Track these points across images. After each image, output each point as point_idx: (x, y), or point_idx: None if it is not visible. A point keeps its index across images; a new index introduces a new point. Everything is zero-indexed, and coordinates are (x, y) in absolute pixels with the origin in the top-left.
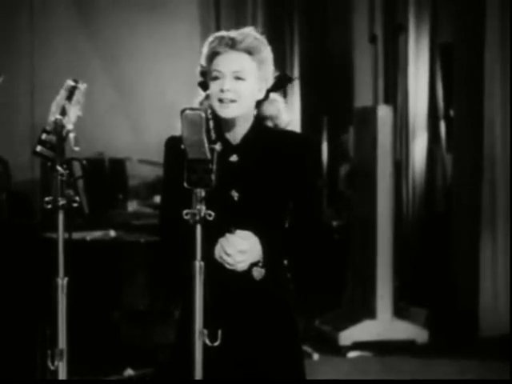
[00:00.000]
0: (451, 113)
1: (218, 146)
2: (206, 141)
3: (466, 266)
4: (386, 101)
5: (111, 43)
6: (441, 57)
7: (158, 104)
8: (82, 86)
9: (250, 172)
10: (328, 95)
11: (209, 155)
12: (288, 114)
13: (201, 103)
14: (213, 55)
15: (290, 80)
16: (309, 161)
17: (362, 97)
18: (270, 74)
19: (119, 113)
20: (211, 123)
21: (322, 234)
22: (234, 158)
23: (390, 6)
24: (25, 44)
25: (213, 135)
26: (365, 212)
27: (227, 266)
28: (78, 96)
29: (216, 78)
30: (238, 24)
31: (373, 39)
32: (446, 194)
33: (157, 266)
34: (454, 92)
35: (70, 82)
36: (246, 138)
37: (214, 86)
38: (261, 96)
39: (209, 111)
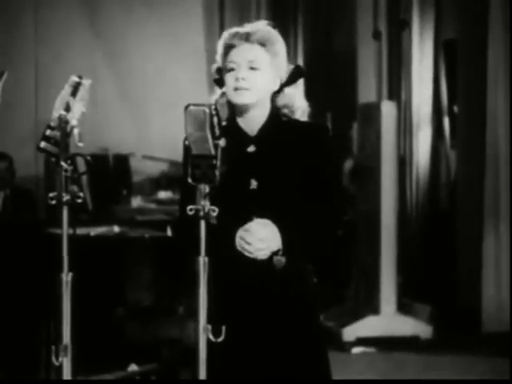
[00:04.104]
0: (455, 109)
1: (222, 142)
2: (210, 137)
3: (469, 261)
4: (390, 97)
5: (116, 40)
6: (444, 53)
7: (162, 100)
8: (87, 82)
9: (268, 161)
10: (332, 91)
11: (213, 151)
12: (303, 101)
13: (216, 101)
14: (228, 49)
15: (303, 73)
16: (325, 148)
17: (366, 93)
18: (283, 65)
19: (123, 109)
20: (215, 119)
21: (341, 225)
22: (251, 148)
23: (393, 2)
24: (29, 40)
25: (217, 131)
26: (369, 208)
27: (248, 255)
28: (82, 92)
29: (231, 70)
30: (242, 21)
31: (377, 35)
32: (449, 190)
33: (170, 261)
34: (458, 88)
35: (75, 78)
36: (263, 129)
37: (229, 77)
38: (275, 87)
39: (213, 107)
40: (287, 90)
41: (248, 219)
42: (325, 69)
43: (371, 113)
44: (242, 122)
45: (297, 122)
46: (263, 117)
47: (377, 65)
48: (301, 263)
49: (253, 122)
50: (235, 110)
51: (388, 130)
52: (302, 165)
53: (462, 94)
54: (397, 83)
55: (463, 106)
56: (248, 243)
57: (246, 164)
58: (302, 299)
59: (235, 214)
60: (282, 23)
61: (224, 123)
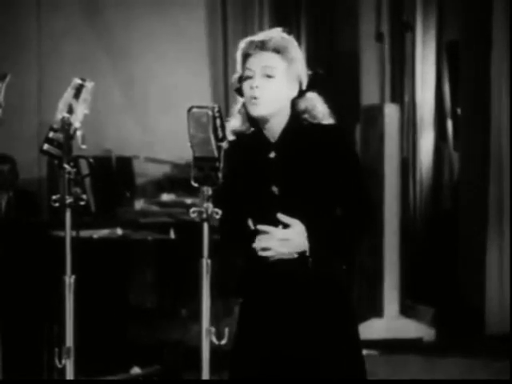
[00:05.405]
0: (458, 111)
1: (224, 144)
2: (213, 139)
3: (472, 263)
4: (393, 99)
5: (119, 42)
6: (447, 54)
7: (166, 102)
8: (89, 84)
9: (289, 167)
10: (335, 94)
11: (216, 153)
12: (324, 106)
13: (239, 111)
14: (245, 58)
15: (322, 77)
16: (343, 147)
17: (369, 95)
18: (301, 72)
19: (126, 111)
20: (218, 121)
21: (374, 217)
22: (272, 154)
23: (396, 4)
24: (32, 42)
25: (220, 133)
26: None
27: (271, 258)
28: (85, 94)
29: (248, 78)
30: (245, 24)
31: (379, 37)
32: (453, 192)
33: (173, 264)
34: (461, 90)
35: (77, 80)
36: (284, 134)
37: (245, 86)
38: (293, 94)
39: (216, 109)
40: (307, 97)
41: (272, 224)
42: (328, 71)
43: (374, 115)
44: (264, 129)
45: (316, 125)
46: (283, 123)
47: (380, 67)
48: (334, 263)
49: (274, 128)
50: (256, 119)
51: (391, 132)
52: (325, 167)
53: (465, 96)
54: (400, 85)
55: (466, 107)
56: (267, 249)
57: (268, 170)
58: (337, 300)
59: (259, 220)
60: (284, 26)
61: (252, 129)
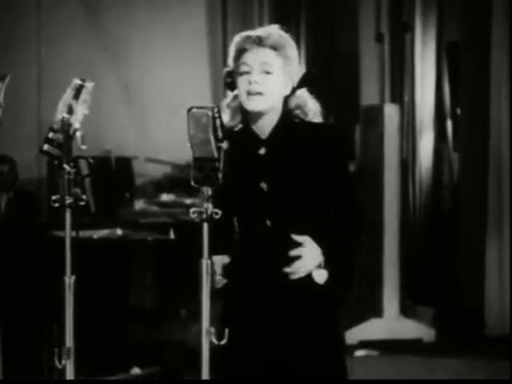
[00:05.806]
0: (458, 111)
1: (224, 144)
2: (212, 139)
3: (472, 264)
4: (393, 99)
5: (118, 42)
6: (447, 55)
7: (165, 103)
8: (89, 85)
9: (278, 163)
10: (334, 94)
11: (216, 153)
12: (316, 104)
13: (228, 105)
14: (240, 52)
15: (314, 78)
16: (339, 149)
17: (369, 95)
18: (296, 71)
19: (126, 111)
20: (218, 121)
21: (365, 219)
22: (262, 151)
23: (396, 5)
24: (31, 43)
25: (220, 133)
26: (371, 210)
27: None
28: (84, 95)
29: (244, 73)
30: (245, 24)
31: (379, 38)
32: (452, 192)
33: (173, 264)
34: (461, 90)
35: (77, 81)
36: (275, 131)
37: (242, 80)
38: (287, 92)
39: (216, 110)
40: (298, 94)
41: (261, 221)
42: (327, 71)
43: (374, 115)
44: (254, 125)
45: (309, 123)
46: (275, 120)
47: (379, 67)
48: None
49: (264, 125)
50: (248, 115)
51: (391, 132)
52: (316, 166)
53: (464, 97)
54: (399, 85)
55: (466, 108)
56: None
57: (257, 166)
58: (323, 305)
59: (248, 216)
60: (284, 25)
61: (240, 125)
